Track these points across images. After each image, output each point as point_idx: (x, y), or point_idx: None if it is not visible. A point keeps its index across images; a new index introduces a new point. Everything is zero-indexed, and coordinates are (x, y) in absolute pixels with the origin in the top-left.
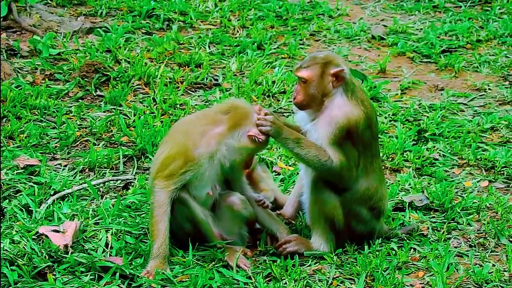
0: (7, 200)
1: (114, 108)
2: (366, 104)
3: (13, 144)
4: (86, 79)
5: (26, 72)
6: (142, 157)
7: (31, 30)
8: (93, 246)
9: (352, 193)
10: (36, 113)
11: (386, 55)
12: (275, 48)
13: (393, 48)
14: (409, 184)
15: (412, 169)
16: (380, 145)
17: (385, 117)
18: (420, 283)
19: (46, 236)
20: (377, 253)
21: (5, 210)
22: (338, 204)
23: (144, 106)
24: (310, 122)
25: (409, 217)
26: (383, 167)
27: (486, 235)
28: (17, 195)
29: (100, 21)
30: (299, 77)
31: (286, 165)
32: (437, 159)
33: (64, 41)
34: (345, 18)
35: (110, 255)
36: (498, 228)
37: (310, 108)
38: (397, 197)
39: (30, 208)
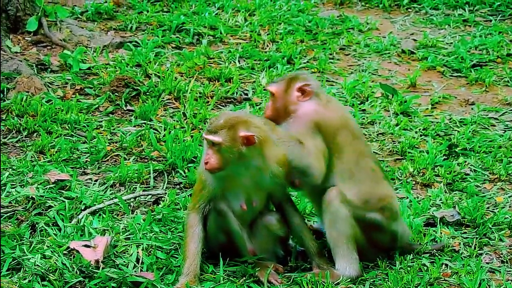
0: (38, 215)
1: (144, 123)
2: (340, 107)
3: (44, 159)
4: (116, 93)
5: (57, 87)
6: (173, 171)
7: (62, 44)
8: (124, 262)
9: (353, 202)
10: (67, 127)
11: (416, 69)
12: (305, 63)
13: (423, 62)
14: (440, 199)
15: (443, 184)
16: (411, 159)
17: (416, 132)
18: None
19: (77, 251)
20: (408, 268)
21: (36, 225)
22: (353, 220)
23: (174, 120)
24: None
25: (441, 233)
26: (414, 182)
27: None
28: (48, 210)
29: (130, 36)
30: (268, 91)
31: None
32: (468, 174)
33: (94, 56)
34: (375, 32)
35: (141, 270)
36: None
37: (278, 123)
38: (428, 213)
39: (61, 223)
